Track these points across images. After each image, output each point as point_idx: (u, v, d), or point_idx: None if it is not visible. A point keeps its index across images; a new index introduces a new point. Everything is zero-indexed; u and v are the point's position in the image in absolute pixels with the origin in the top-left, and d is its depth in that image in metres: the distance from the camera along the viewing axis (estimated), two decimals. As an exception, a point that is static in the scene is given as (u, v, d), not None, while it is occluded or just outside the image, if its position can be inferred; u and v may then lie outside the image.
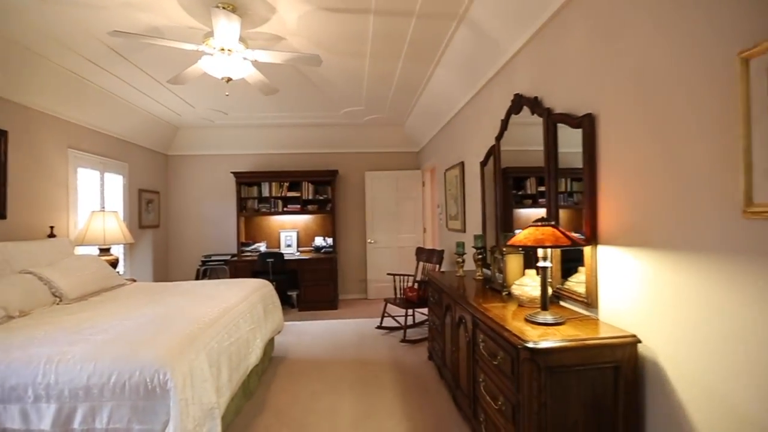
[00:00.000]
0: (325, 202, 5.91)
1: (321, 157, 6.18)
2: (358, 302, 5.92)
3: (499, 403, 1.72)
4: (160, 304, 2.63)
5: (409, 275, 4.22)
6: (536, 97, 2.30)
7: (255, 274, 4.89)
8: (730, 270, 1.17)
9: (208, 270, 5.72)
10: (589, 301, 1.81)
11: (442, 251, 4.08)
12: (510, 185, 2.81)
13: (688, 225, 1.31)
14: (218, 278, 5.39)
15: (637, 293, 1.55)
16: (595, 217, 1.79)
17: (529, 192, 2.66)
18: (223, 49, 2.53)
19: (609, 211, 1.72)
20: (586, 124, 1.80)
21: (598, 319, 1.76)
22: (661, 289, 1.43)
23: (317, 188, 5.96)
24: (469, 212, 3.74)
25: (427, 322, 3.48)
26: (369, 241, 6.06)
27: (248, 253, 5.66)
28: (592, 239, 1.79)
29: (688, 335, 1.31)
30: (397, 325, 4.27)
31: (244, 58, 2.68)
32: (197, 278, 5.66)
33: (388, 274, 4.46)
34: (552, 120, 2.10)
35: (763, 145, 1.05)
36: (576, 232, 1.87)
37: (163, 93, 4.20)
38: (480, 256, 2.87)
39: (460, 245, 3.16)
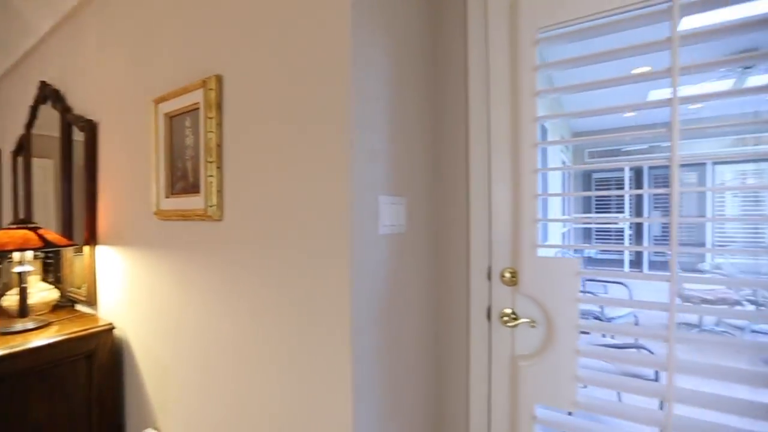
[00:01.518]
0: None
1: None
2: None
3: (-54, 437, 1.47)
4: None
5: None
6: (58, 91, 2.15)
7: None
8: (152, 255, 1.54)
9: None
10: (90, 300, 1.88)
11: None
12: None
13: (136, 225, 1.63)
14: None
15: (119, 285, 1.76)
16: (94, 218, 1.88)
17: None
18: None
19: (106, 212, 1.85)
20: (88, 129, 1.87)
21: (96, 315, 1.86)
22: (129, 279, 1.69)
23: None
24: (5, 210, 3.00)
25: None
26: None
27: None
28: (91, 239, 1.88)
29: (141, 312, 1.63)
30: None
31: None
32: None
33: None
34: (67, 119, 2.03)
35: (161, 167, 1.45)
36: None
37: None
38: (-2, 266, 2.37)
39: (-29, 254, 2.48)
